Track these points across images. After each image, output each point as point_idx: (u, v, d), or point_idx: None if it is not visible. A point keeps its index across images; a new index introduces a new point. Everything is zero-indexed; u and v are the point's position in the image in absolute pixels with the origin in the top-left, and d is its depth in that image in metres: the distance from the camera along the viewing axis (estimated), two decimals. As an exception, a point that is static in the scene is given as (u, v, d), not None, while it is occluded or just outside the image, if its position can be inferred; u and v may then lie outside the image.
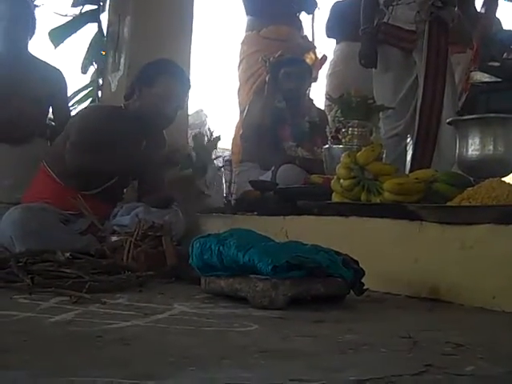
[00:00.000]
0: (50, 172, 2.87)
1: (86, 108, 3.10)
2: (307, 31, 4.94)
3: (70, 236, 2.63)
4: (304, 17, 4.93)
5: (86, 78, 4.56)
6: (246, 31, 4.77)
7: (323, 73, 4.70)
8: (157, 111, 2.90)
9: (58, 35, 4.33)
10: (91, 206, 2.75)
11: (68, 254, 2.10)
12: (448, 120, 2.49)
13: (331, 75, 4.65)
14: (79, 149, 2.79)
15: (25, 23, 3.38)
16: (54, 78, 3.45)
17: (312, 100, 4.11)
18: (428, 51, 3.15)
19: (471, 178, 2.21)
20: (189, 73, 4.20)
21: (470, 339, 1.28)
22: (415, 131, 3.18)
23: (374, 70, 3.40)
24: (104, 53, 4.31)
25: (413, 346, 1.22)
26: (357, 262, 1.78)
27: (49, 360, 1.03)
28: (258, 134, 3.77)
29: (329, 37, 4.83)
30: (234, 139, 4.55)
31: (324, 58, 4.59)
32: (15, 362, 1.00)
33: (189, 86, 3.11)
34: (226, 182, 4.64)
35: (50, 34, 4.30)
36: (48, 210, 2.68)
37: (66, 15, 4.49)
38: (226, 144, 5.34)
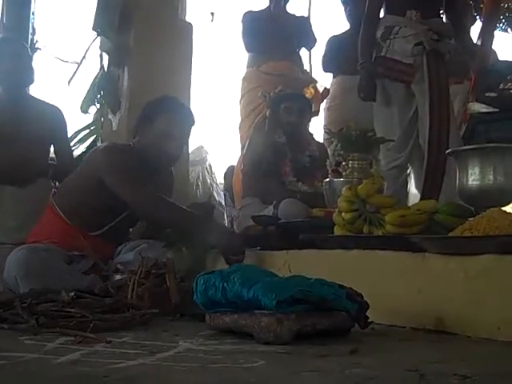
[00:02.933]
0: (57, 210, 2.86)
1: (104, 146, 2.95)
2: (306, 66, 5.02)
3: (73, 276, 2.62)
4: (303, 52, 5.00)
5: (89, 117, 4.62)
6: (247, 67, 4.84)
7: (323, 106, 4.75)
8: (159, 150, 2.84)
9: (86, 103, 4.40)
10: (96, 246, 2.76)
11: (72, 294, 2.10)
12: (448, 151, 2.51)
13: (329, 109, 4.70)
14: (134, 184, 2.73)
15: (26, 65, 3.42)
16: (54, 116, 3.48)
17: (312, 134, 4.14)
18: (430, 83, 3.18)
19: (472, 208, 2.22)
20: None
21: (476, 371, 1.28)
22: (424, 163, 3.19)
23: (374, 103, 3.44)
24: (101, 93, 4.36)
25: (420, 379, 1.21)
26: (361, 295, 1.78)
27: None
28: (259, 169, 3.79)
29: (325, 71, 4.90)
30: (235, 174, 4.58)
31: (325, 91, 4.64)
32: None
33: (192, 122, 3.04)
34: (227, 217, 4.66)
35: (81, 107, 4.37)
36: (52, 250, 2.68)
37: (66, 61, 4.58)
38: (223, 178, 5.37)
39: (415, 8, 3.26)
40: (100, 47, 4.40)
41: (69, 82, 4.45)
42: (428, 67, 3.19)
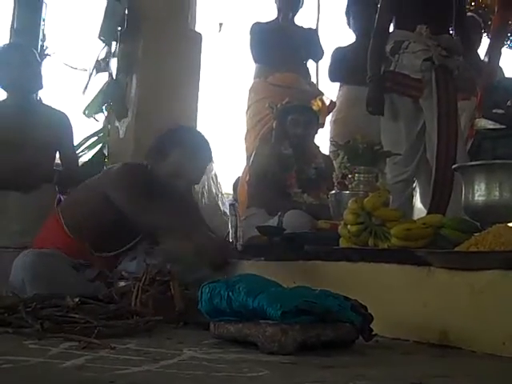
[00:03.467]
0: (61, 223, 2.80)
1: (118, 165, 2.85)
2: (313, 78, 5.04)
3: (79, 282, 2.62)
4: (310, 64, 5.02)
5: (98, 124, 4.63)
6: (254, 78, 4.85)
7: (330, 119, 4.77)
8: (167, 183, 2.73)
9: (92, 109, 4.42)
10: (100, 260, 2.76)
11: (77, 299, 2.10)
12: (454, 166, 2.52)
13: (335, 121, 4.71)
14: (145, 203, 2.66)
15: (34, 71, 3.43)
16: (60, 122, 3.48)
17: (318, 146, 4.16)
18: (438, 98, 3.19)
19: (478, 224, 2.22)
20: (196, 118, 4.28)
21: (481, 385, 1.28)
22: (432, 178, 3.19)
23: (381, 117, 3.45)
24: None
25: (424, 392, 1.21)
26: (365, 308, 1.78)
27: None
28: (265, 180, 3.80)
29: (332, 81, 4.90)
30: (240, 185, 4.59)
31: (332, 103, 4.65)
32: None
33: (209, 159, 2.87)
34: (232, 227, 4.66)
35: (84, 111, 4.39)
36: (58, 256, 2.68)
37: (76, 68, 4.60)
38: (231, 189, 5.38)
39: (425, 23, 3.27)
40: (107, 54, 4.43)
41: (83, 91, 4.46)
42: (437, 83, 3.20)
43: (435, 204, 3.13)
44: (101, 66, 4.45)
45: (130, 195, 2.67)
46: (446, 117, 3.19)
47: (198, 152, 2.79)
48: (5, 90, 3.46)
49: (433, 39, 3.25)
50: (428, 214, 3.01)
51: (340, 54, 4.80)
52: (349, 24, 4.86)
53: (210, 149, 2.84)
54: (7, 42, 4.65)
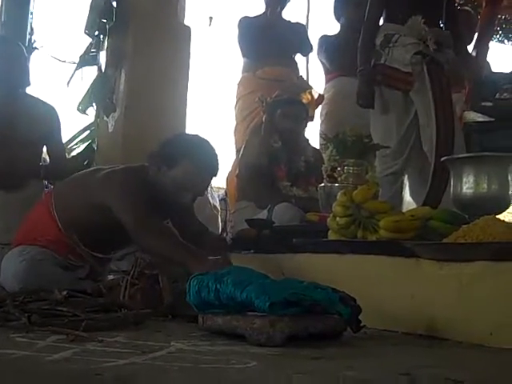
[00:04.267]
0: (55, 218, 2.69)
1: (119, 171, 2.67)
2: (302, 72, 5.03)
3: (71, 283, 2.54)
4: (299, 57, 5.02)
5: (89, 118, 4.62)
6: (242, 72, 4.85)
7: (318, 112, 4.76)
8: (171, 194, 2.58)
9: (86, 103, 4.40)
10: (93, 257, 2.73)
11: (65, 293, 2.10)
12: (442, 159, 2.52)
13: (326, 114, 4.70)
14: (140, 212, 2.49)
15: (21, 66, 3.40)
16: (48, 115, 3.40)
17: (307, 140, 4.16)
18: (432, 90, 3.19)
19: (466, 216, 2.23)
20: (185, 112, 4.27)
21: (468, 376, 1.28)
22: (431, 169, 3.19)
23: (371, 110, 3.45)
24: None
25: (412, 383, 1.22)
26: (354, 299, 1.79)
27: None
28: (254, 173, 3.80)
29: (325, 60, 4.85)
30: (229, 178, 4.58)
31: (321, 97, 4.65)
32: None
33: (215, 173, 2.69)
34: (221, 220, 4.66)
35: (78, 107, 4.37)
36: (49, 258, 2.62)
37: (64, 61, 4.58)
38: (221, 183, 5.37)
39: (412, 16, 3.27)
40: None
41: (67, 83, 4.45)
42: (430, 76, 3.20)
43: (431, 196, 3.13)
44: (85, 59, 4.43)
45: (122, 200, 2.53)
46: (442, 110, 3.20)
47: (207, 165, 2.63)
48: None
49: (427, 31, 3.24)
50: (423, 205, 3.01)
51: (327, 42, 4.76)
52: (335, 15, 4.84)
53: (217, 161, 2.68)
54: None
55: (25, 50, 3.58)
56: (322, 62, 4.83)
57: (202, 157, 2.60)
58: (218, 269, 2.32)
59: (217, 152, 2.68)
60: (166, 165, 2.58)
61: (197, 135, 2.75)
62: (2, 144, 3.20)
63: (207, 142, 2.69)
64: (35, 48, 4.73)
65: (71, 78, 4.45)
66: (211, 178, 2.74)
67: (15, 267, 2.57)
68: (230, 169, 4.49)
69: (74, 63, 4.47)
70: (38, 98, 3.44)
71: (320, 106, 4.70)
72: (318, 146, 4.31)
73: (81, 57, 4.41)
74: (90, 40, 4.44)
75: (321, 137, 4.46)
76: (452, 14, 3.49)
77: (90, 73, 4.50)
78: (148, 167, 2.65)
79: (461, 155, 2.54)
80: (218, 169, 2.69)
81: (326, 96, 4.70)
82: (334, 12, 4.84)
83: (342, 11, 4.73)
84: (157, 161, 2.61)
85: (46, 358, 1.39)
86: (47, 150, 3.45)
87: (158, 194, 2.60)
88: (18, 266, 2.58)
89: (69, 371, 1.25)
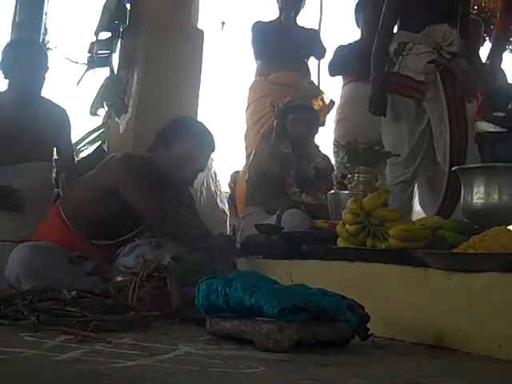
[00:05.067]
0: (62, 215, 2.80)
1: (120, 157, 2.84)
2: (314, 77, 5.03)
3: (76, 276, 2.61)
4: (311, 63, 5.01)
5: (99, 119, 4.63)
6: (255, 76, 4.85)
7: (330, 118, 4.75)
8: (174, 172, 2.78)
9: (97, 105, 4.43)
10: (98, 250, 2.76)
11: (74, 293, 2.10)
12: (453, 168, 2.52)
13: (339, 120, 4.67)
14: (152, 191, 2.69)
15: (41, 70, 3.43)
16: (59, 117, 3.47)
17: (318, 146, 4.15)
18: (446, 100, 3.18)
19: (476, 226, 2.22)
20: (196, 115, 4.28)
21: (476, 386, 1.28)
22: (445, 177, 3.18)
23: (382, 118, 3.44)
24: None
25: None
26: (362, 307, 1.78)
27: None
28: (264, 179, 3.79)
29: (332, 75, 4.84)
30: (239, 183, 4.58)
31: (332, 103, 4.64)
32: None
33: (212, 148, 2.93)
34: (230, 225, 4.66)
35: (90, 111, 4.40)
36: (55, 249, 2.68)
37: (77, 62, 4.60)
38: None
39: (430, 25, 3.26)
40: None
41: (77, 83, 4.47)
42: (443, 86, 3.19)
43: (445, 207, 3.12)
44: (95, 60, 4.45)
45: (136, 183, 2.70)
46: (456, 119, 3.19)
47: (203, 140, 2.85)
48: (8, 83, 3.45)
49: (450, 33, 3.23)
50: (437, 215, 3.00)
51: (347, 50, 4.74)
52: (357, 21, 4.81)
53: (213, 137, 2.91)
54: (10, 35, 4.66)
55: (45, 50, 3.61)
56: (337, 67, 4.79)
57: (197, 133, 2.84)
58: (224, 251, 2.55)
59: (211, 131, 2.92)
60: (164, 145, 2.79)
61: (191, 117, 3.05)
62: (13, 141, 3.25)
63: (201, 122, 2.97)
64: (49, 48, 4.76)
65: (81, 78, 4.47)
66: (209, 153, 2.93)
67: (19, 255, 2.62)
68: (234, 171, 4.49)
69: (87, 64, 4.49)
70: (51, 101, 3.50)
71: (333, 111, 4.69)
72: (329, 152, 4.30)
73: (89, 58, 4.43)
74: (97, 41, 4.46)
75: (334, 144, 4.46)
76: (466, 23, 3.48)
77: (102, 74, 4.53)
78: (150, 153, 2.84)
79: (472, 165, 2.53)
80: (214, 144, 2.91)
81: (340, 101, 4.68)
82: (354, 17, 4.82)
83: (361, 16, 4.71)
84: (156, 144, 2.83)
85: (55, 357, 1.40)
86: (57, 152, 3.49)
87: (160, 179, 2.76)
88: (21, 253, 2.63)
89: (77, 371, 1.26)
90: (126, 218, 2.74)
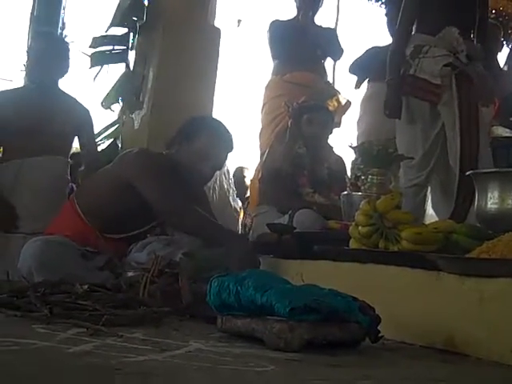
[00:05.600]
0: (76, 209, 2.81)
1: (137, 151, 2.87)
2: (330, 77, 5.01)
3: (88, 271, 2.62)
4: (327, 63, 5.00)
5: (113, 114, 4.65)
6: (271, 75, 4.85)
7: (346, 119, 4.73)
8: (192, 169, 2.80)
9: (109, 100, 4.45)
10: (110, 245, 2.77)
11: (86, 287, 2.12)
12: (468, 173, 2.51)
13: (361, 116, 4.61)
14: (168, 187, 2.69)
15: (59, 60, 3.46)
16: (80, 114, 3.52)
17: (332, 147, 4.15)
18: (460, 105, 3.17)
19: (490, 231, 2.21)
20: (211, 113, 4.29)
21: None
22: (456, 183, 3.18)
23: (397, 120, 3.43)
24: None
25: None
26: (373, 309, 1.78)
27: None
28: (277, 178, 3.80)
29: (352, 72, 4.79)
30: (252, 182, 4.59)
31: (348, 103, 4.63)
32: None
33: (231, 148, 2.95)
34: (242, 224, 4.67)
35: (102, 103, 4.42)
36: (67, 244, 2.69)
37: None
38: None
39: (446, 28, 3.25)
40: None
41: (94, 78, 4.50)
42: (458, 90, 3.18)
43: (458, 211, 3.11)
44: (113, 56, 4.48)
45: (150, 178, 2.71)
46: (468, 124, 3.17)
47: (224, 138, 2.90)
48: (30, 78, 3.50)
49: (460, 43, 3.22)
50: (451, 219, 2.99)
51: (374, 52, 4.69)
52: (388, 24, 4.77)
53: (232, 138, 2.95)
54: (28, 29, 4.70)
55: (66, 43, 3.65)
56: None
57: (218, 130, 2.90)
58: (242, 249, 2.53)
59: (230, 130, 2.96)
60: (185, 140, 2.83)
61: (211, 116, 3.08)
62: (39, 134, 3.29)
63: (220, 121, 2.99)
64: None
65: (98, 73, 4.50)
66: (227, 152, 2.95)
67: (31, 248, 2.65)
68: (253, 172, 4.50)
69: (90, 60, 4.52)
70: (73, 98, 3.55)
71: (350, 113, 4.66)
72: (343, 153, 4.29)
73: (93, 53, 4.45)
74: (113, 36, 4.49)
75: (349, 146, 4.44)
76: (484, 27, 3.47)
77: (118, 70, 4.55)
78: (170, 146, 2.88)
79: (486, 170, 2.52)
80: (232, 144, 2.94)
81: (362, 98, 4.64)
82: (387, 25, 4.76)
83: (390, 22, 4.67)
84: (177, 139, 2.87)
85: (67, 349, 1.40)
86: (80, 144, 3.54)
87: (178, 174, 2.77)
88: (33, 246, 2.65)
89: (89, 364, 1.27)
90: (140, 213, 2.75)
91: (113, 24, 4.45)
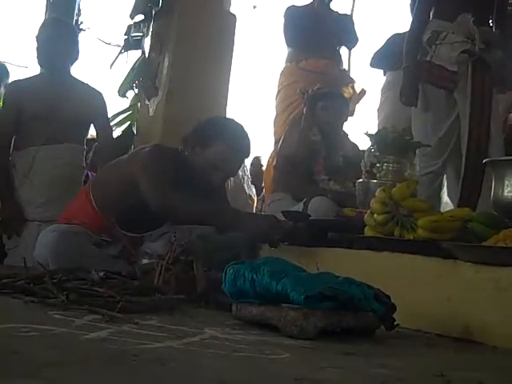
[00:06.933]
0: (91, 199, 2.79)
1: (149, 147, 2.79)
2: (345, 65, 4.98)
3: (103, 260, 2.63)
4: (343, 50, 4.97)
5: (125, 101, 4.66)
6: (286, 62, 4.83)
7: (360, 107, 4.71)
8: (203, 175, 2.70)
9: (124, 87, 4.46)
10: (125, 236, 2.77)
11: (102, 274, 2.13)
12: (484, 160, 2.49)
13: (381, 105, 4.56)
14: (164, 188, 2.61)
15: (68, 46, 3.46)
16: (94, 99, 3.52)
17: (347, 134, 4.13)
18: (472, 92, 3.14)
19: (506, 220, 2.20)
20: (226, 100, 4.28)
21: (503, 381, 1.27)
22: (462, 172, 3.16)
23: (413, 107, 3.40)
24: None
25: (446, 384, 1.21)
26: (388, 297, 1.78)
27: (88, 375, 1.05)
28: (292, 165, 3.80)
29: (373, 67, 4.75)
30: (266, 169, 4.58)
31: (363, 92, 4.61)
32: (56, 375, 1.02)
33: (247, 155, 2.84)
34: (256, 210, 4.68)
35: (119, 90, 4.42)
36: (82, 233, 2.69)
37: (109, 43, 4.63)
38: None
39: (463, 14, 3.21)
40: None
41: (111, 65, 4.50)
42: (473, 77, 3.15)
43: (464, 199, 3.09)
44: (130, 43, 4.47)
45: (149, 175, 2.63)
46: (480, 112, 3.15)
47: (240, 147, 2.76)
48: (40, 65, 3.51)
49: (475, 30, 3.18)
50: (458, 207, 2.98)
51: (393, 39, 4.63)
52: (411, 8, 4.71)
53: (250, 144, 2.81)
54: (44, 15, 4.70)
55: (76, 30, 3.65)
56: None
57: (235, 138, 2.73)
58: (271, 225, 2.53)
59: (249, 136, 2.81)
60: (200, 145, 2.70)
61: (231, 119, 2.90)
62: (47, 121, 3.31)
63: (241, 125, 2.83)
64: (82, 29, 4.80)
65: (115, 60, 4.50)
66: (242, 160, 2.88)
67: (47, 238, 2.66)
68: (267, 159, 4.49)
69: (119, 46, 4.52)
70: (87, 84, 3.54)
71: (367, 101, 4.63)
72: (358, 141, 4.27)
73: (125, 40, 4.45)
74: (132, 24, 4.48)
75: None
76: (502, 13, 3.43)
77: (132, 56, 4.55)
78: (183, 147, 2.76)
79: (503, 158, 2.50)
80: (249, 151, 2.82)
81: (382, 86, 4.59)
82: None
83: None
84: (191, 141, 2.73)
85: (84, 336, 1.41)
86: (96, 131, 3.55)
87: (190, 175, 2.70)
88: (49, 237, 2.66)
89: (106, 350, 1.27)
90: (151, 213, 2.65)
91: (136, 11, 4.43)
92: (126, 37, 4.48)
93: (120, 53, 4.47)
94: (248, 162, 4.75)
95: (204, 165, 2.69)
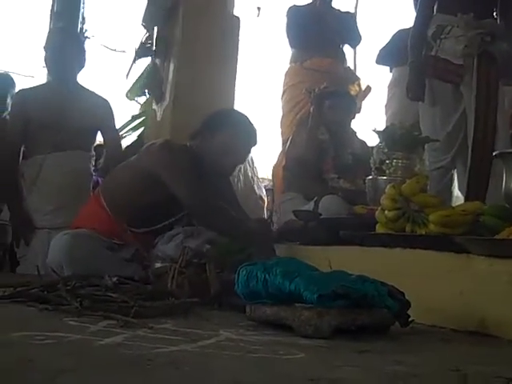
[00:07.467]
0: (102, 202, 2.84)
1: (161, 143, 2.86)
2: (350, 62, 4.97)
3: (116, 263, 2.65)
4: (347, 48, 4.96)
5: (135, 106, 4.67)
6: (290, 63, 4.83)
7: (366, 104, 4.70)
8: (215, 161, 2.81)
9: (134, 92, 4.47)
10: (137, 238, 2.78)
11: (115, 279, 2.13)
12: (494, 153, 2.48)
13: (388, 101, 4.55)
14: (192, 184, 2.71)
15: (73, 54, 3.48)
16: (100, 107, 3.54)
17: (355, 132, 4.13)
18: (478, 85, 3.13)
19: (519, 212, 2.19)
20: (233, 102, 4.28)
21: (520, 374, 1.26)
22: (468, 165, 3.15)
23: (420, 102, 3.40)
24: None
25: (463, 380, 1.20)
26: (402, 294, 1.77)
27: (103, 381, 1.05)
28: (301, 165, 3.80)
29: (379, 63, 4.74)
30: (275, 169, 4.58)
31: (368, 88, 4.59)
32: (72, 382, 1.02)
33: (254, 143, 2.96)
34: (267, 211, 4.67)
35: (127, 94, 4.44)
36: (94, 237, 2.72)
37: (114, 50, 4.64)
38: (266, 173, 5.38)
39: (470, 7, 3.20)
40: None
41: (126, 75, 4.50)
42: (478, 70, 3.14)
43: (472, 192, 3.08)
44: (142, 50, 4.48)
45: (177, 172, 2.73)
46: (485, 105, 3.13)
47: (248, 132, 2.90)
48: (48, 73, 3.53)
49: (475, 27, 3.16)
50: (465, 200, 2.97)
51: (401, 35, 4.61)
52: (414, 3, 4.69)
53: (256, 132, 2.95)
54: (48, 25, 4.73)
55: (80, 38, 3.67)
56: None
57: (243, 124, 2.89)
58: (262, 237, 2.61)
59: (255, 125, 2.95)
60: (209, 131, 2.84)
61: (237, 110, 3.07)
62: (54, 129, 3.32)
63: (246, 115, 2.97)
64: (86, 37, 4.81)
65: (130, 70, 4.51)
66: (251, 146, 2.96)
67: (60, 241, 2.70)
68: (276, 160, 4.49)
69: (124, 52, 4.53)
70: (92, 92, 3.57)
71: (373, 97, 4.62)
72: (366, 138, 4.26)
73: (137, 49, 4.45)
74: (144, 32, 4.48)
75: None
76: (507, 5, 3.41)
77: (141, 62, 4.56)
78: (191, 142, 2.87)
79: (515, 150, 2.48)
80: (256, 139, 2.94)
81: (389, 82, 4.58)
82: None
83: None
84: (201, 131, 2.86)
85: (99, 342, 1.42)
86: (103, 139, 3.57)
87: (202, 167, 2.79)
88: (62, 240, 2.70)
89: (122, 356, 1.28)
90: (166, 205, 2.77)
91: (147, 19, 4.44)
92: (143, 45, 4.48)
93: (134, 61, 4.47)
94: (257, 164, 4.74)
95: (214, 151, 2.80)
